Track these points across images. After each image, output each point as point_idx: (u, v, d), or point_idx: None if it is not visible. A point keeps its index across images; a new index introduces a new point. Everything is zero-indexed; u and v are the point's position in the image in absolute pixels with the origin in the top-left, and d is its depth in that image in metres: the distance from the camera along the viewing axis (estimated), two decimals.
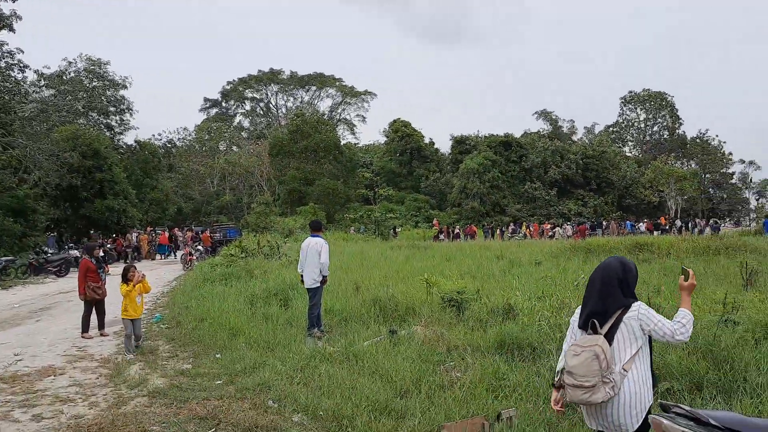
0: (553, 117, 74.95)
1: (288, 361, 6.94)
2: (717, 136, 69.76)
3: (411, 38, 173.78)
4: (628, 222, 45.46)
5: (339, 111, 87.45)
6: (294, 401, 5.63)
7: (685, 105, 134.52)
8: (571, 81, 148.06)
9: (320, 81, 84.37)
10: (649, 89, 73.00)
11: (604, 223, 46.00)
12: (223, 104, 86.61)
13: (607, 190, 58.12)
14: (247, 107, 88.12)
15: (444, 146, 69.20)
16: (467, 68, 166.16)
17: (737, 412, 4.48)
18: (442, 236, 39.17)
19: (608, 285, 3.10)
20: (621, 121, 75.82)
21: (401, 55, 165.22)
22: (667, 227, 42.60)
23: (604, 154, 59.17)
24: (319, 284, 8.77)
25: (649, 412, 2.95)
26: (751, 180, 69.34)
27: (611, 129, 75.76)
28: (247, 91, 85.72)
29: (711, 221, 45.28)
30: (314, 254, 8.74)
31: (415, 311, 9.21)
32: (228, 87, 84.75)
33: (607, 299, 3.07)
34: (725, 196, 66.38)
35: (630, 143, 75.78)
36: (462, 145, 62.11)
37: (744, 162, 69.57)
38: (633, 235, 32.84)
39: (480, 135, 63.95)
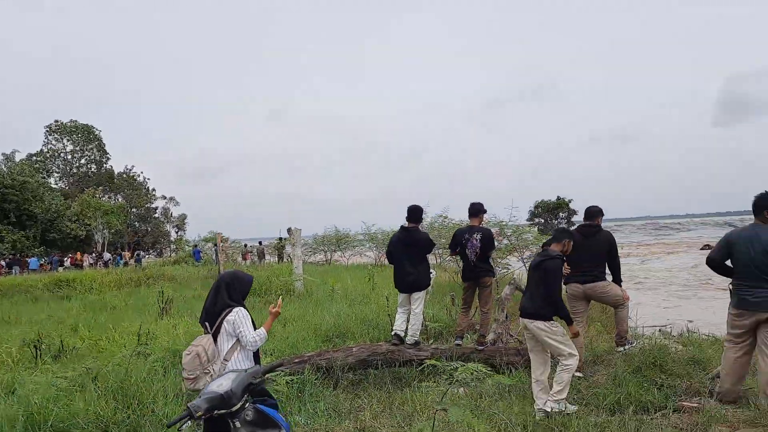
0: None
1: None
2: (142, 172, 74.88)
3: None
4: (33, 258, 42.21)
5: None
6: None
7: (112, 140, 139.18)
8: None
9: None
10: (76, 121, 71.91)
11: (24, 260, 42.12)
12: None
13: (29, 223, 53.76)
14: None
15: None
16: None
17: None
18: None
19: (217, 290, 3.91)
20: (46, 150, 71.68)
21: None
22: (93, 262, 42.68)
23: (26, 185, 54.61)
24: None
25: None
26: (171, 214, 77.48)
27: (35, 158, 70.56)
28: None
29: (136, 253, 48.01)
30: None
31: None
32: None
33: (215, 301, 3.89)
34: (149, 228, 71.91)
35: (56, 174, 72.40)
36: None
37: (166, 198, 77.17)
38: (54, 272, 31.63)
39: None
